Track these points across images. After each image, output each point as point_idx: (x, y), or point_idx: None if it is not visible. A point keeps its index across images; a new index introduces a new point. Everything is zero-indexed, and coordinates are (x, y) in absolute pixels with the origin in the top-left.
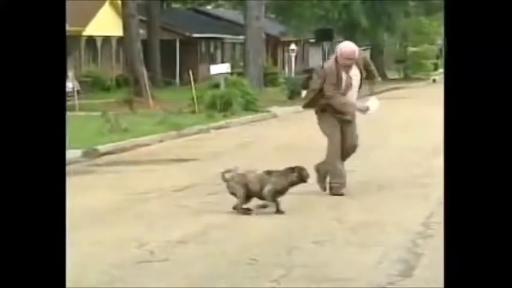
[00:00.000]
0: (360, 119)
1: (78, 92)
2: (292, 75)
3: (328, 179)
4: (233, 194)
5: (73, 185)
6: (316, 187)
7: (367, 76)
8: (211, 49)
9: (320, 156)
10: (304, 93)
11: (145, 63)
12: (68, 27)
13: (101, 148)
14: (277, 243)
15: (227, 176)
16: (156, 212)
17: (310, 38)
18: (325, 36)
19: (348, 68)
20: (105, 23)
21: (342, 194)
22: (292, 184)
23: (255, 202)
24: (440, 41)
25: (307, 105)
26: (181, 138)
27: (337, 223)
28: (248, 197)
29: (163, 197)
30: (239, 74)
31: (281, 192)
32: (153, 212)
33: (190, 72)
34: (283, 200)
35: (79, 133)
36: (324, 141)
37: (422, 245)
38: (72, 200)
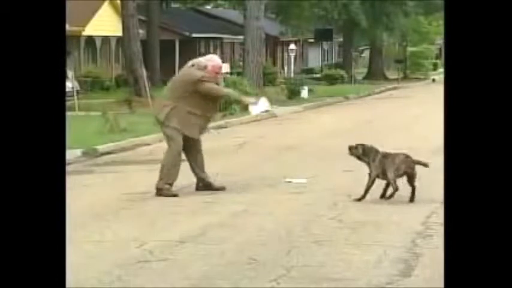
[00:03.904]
0: (359, 119)
1: (77, 92)
2: (292, 75)
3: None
4: None
5: (73, 185)
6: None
7: None
8: (211, 49)
9: (319, 156)
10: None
11: (145, 63)
12: (67, 27)
13: (101, 148)
14: (277, 243)
15: None
16: (155, 212)
17: (310, 38)
18: (324, 36)
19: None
20: (105, 23)
21: None
22: None
23: None
24: (440, 40)
25: None
26: None
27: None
28: None
29: (163, 197)
30: (238, 73)
31: None
32: (153, 211)
33: None
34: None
35: (79, 133)
36: (322, 142)
37: (421, 245)
38: (72, 199)
